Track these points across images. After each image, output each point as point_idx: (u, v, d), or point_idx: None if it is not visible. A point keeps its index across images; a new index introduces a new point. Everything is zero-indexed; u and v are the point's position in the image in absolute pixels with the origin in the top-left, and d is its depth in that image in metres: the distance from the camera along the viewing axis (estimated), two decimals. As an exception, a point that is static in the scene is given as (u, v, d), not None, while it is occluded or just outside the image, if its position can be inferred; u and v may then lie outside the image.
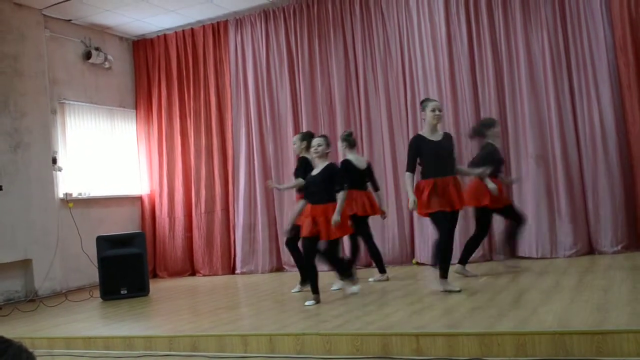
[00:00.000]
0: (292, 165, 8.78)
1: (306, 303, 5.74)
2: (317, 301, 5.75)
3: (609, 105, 7.32)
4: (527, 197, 7.55)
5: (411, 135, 8.11)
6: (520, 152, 7.66)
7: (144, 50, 10.11)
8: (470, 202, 6.31)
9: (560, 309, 4.46)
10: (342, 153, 7.11)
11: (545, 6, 7.63)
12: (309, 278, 5.93)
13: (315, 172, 5.96)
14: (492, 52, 7.84)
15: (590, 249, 7.27)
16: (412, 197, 5.66)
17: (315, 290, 5.79)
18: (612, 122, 7.31)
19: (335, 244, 5.90)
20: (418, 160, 5.75)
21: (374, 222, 8.26)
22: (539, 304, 4.71)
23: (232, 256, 9.20)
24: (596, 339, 3.67)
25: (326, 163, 5.94)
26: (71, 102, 8.99)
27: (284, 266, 8.85)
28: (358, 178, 6.71)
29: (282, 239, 8.80)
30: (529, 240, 7.50)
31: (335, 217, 5.61)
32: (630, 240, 7.20)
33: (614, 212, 7.22)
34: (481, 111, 7.76)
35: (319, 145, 5.95)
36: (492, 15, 7.87)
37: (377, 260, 6.98)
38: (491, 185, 6.20)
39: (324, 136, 6.20)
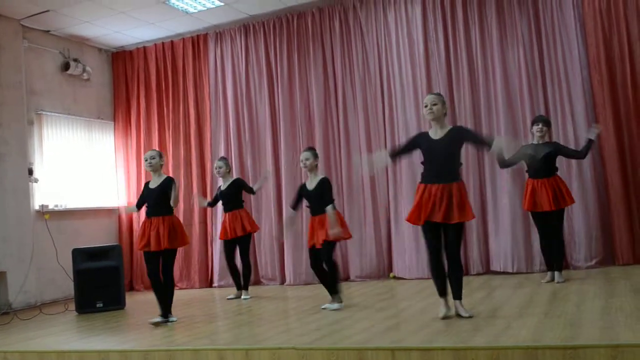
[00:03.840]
0: (270, 177, 8.80)
1: (325, 306, 6.11)
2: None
3: (583, 121, 7.45)
4: (502, 211, 7.63)
5: (389, 150, 8.19)
6: (496, 165, 7.72)
7: (123, 62, 10.08)
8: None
9: (534, 323, 4.52)
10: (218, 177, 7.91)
11: (521, 23, 7.76)
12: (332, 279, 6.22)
13: (310, 187, 6.24)
14: (468, 68, 7.95)
15: (565, 264, 7.32)
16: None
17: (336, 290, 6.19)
18: (585, 138, 7.42)
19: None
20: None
21: (353, 236, 8.32)
22: (513, 319, 4.76)
23: (210, 269, 9.17)
24: (568, 353, 3.72)
25: (319, 177, 6.24)
26: (49, 113, 8.92)
27: (262, 280, 8.84)
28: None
29: (260, 253, 8.82)
30: (505, 254, 7.57)
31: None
32: (604, 256, 7.31)
33: (588, 227, 7.33)
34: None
35: (307, 159, 6.20)
36: (469, 32, 7.99)
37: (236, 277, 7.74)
38: None
39: (311, 149, 6.45)
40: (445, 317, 4.98)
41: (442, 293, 5.09)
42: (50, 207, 8.72)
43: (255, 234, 8.81)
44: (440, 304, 5.09)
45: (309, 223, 6.32)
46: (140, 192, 6.56)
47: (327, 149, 8.57)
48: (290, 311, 6.36)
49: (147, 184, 6.40)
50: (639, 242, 7.23)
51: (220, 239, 7.80)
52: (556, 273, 6.51)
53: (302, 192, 6.35)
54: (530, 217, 6.86)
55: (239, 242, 7.61)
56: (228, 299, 7.61)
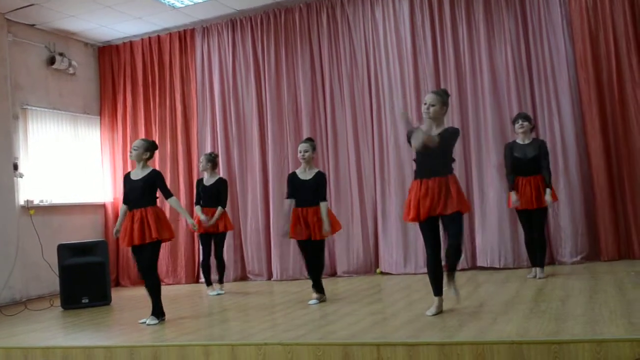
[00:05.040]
0: (257, 173, 8.79)
1: (310, 302, 6.22)
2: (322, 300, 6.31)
3: (569, 118, 7.50)
4: (489, 206, 7.66)
5: (376, 146, 8.22)
6: (483, 162, 7.77)
7: (109, 57, 10.02)
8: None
9: (519, 318, 4.54)
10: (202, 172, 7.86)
11: (509, 20, 7.78)
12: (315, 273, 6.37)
13: (304, 177, 6.27)
14: (456, 65, 7.96)
15: (551, 259, 7.39)
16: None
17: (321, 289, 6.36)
18: (572, 134, 7.48)
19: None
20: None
21: (340, 232, 8.32)
22: (499, 314, 4.78)
23: (196, 265, 9.13)
24: (553, 348, 3.75)
25: (315, 170, 6.34)
26: (34, 108, 8.86)
27: (249, 275, 8.82)
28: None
29: (246, 248, 8.81)
30: (492, 250, 7.60)
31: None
32: (589, 251, 7.36)
33: (574, 223, 7.37)
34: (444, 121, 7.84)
35: (306, 151, 6.25)
36: (457, 29, 8.01)
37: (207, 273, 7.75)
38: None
39: (310, 140, 6.50)
40: (432, 316, 4.95)
41: (438, 292, 5.04)
42: (36, 202, 8.66)
43: (242, 229, 8.86)
44: (434, 303, 5.04)
45: (293, 216, 6.26)
46: (123, 187, 6.10)
47: (314, 144, 8.56)
48: (277, 307, 6.36)
49: (127, 175, 6.07)
50: (623, 239, 7.30)
51: (198, 232, 7.61)
52: (538, 269, 6.54)
53: (294, 181, 6.30)
54: (517, 214, 6.87)
55: (216, 238, 7.61)
56: (210, 295, 7.60)
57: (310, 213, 6.18)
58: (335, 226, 6.34)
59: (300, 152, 6.30)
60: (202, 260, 7.76)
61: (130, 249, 6.04)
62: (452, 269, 5.03)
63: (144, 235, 5.75)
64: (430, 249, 5.04)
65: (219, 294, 7.54)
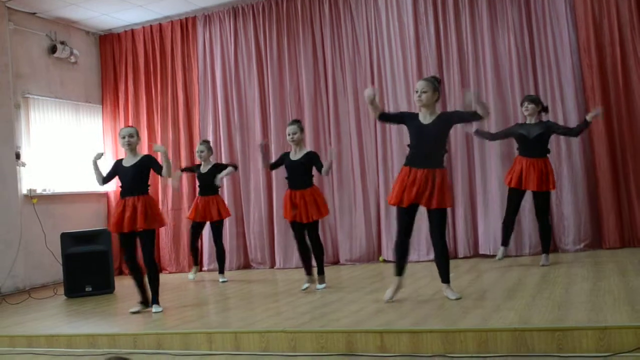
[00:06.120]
0: (259, 161, 8.76)
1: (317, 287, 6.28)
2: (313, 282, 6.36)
3: (573, 105, 7.46)
4: (491, 194, 7.65)
5: (379, 134, 8.19)
6: (486, 150, 7.74)
7: (110, 45, 9.99)
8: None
9: (522, 305, 4.54)
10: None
11: (512, 8, 7.73)
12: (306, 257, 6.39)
13: (294, 157, 6.27)
14: (458, 52, 7.92)
15: (554, 247, 7.38)
16: None
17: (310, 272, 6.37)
18: (575, 122, 7.42)
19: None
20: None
21: (342, 218, 8.32)
22: (502, 301, 4.78)
23: (199, 253, 9.14)
24: (557, 335, 3.74)
25: (305, 150, 6.30)
26: (36, 97, 8.84)
27: (252, 263, 8.84)
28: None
29: (249, 236, 8.81)
30: (495, 238, 7.58)
31: None
32: (592, 239, 7.35)
33: (577, 211, 7.36)
34: (447, 109, 7.82)
35: (294, 133, 6.22)
36: (459, 16, 7.96)
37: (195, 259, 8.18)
38: None
39: (296, 121, 6.45)
40: (391, 299, 5.17)
41: (400, 272, 5.22)
42: (38, 191, 8.66)
43: (244, 217, 8.87)
44: (393, 283, 5.24)
45: (285, 196, 6.36)
46: (111, 169, 6.13)
47: (316, 132, 8.54)
48: (280, 294, 6.37)
49: (119, 161, 6.07)
50: (626, 226, 7.28)
51: (189, 218, 7.91)
52: (543, 256, 6.55)
53: (284, 159, 6.40)
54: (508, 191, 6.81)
55: (213, 227, 7.78)
56: (190, 278, 8.05)
57: (298, 196, 6.18)
58: (322, 210, 6.24)
59: (289, 134, 6.25)
60: (191, 244, 8.02)
61: (118, 237, 6.03)
62: (445, 280, 5.18)
63: (134, 223, 5.74)
64: (402, 234, 5.18)
65: (224, 281, 7.61)
